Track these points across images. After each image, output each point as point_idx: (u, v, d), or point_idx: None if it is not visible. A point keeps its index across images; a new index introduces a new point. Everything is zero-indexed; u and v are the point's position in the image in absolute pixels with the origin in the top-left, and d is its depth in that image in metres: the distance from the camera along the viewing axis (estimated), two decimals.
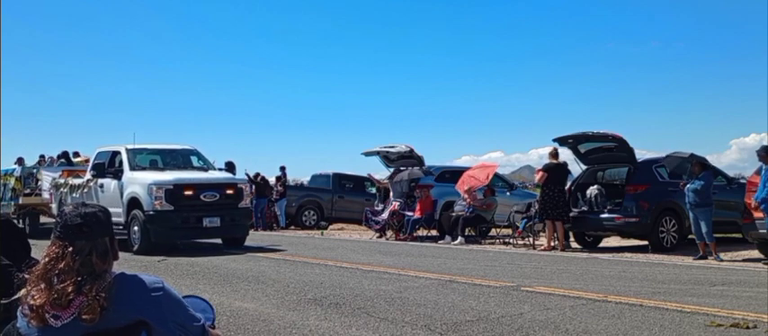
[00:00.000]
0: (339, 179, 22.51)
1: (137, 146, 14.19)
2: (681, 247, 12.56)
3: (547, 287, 8.03)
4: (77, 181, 15.18)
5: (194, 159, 14.70)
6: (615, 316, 6.27)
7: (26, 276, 2.16)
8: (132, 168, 13.52)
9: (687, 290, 7.87)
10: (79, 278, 2.08)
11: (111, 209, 13.53)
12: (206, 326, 2.35)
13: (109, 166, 13.96)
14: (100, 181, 13.99)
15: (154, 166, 14.13)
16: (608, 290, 7.80)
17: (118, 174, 13.57)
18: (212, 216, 12.94)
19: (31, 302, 2.08)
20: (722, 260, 11.10)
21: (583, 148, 13.96)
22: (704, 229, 11.28)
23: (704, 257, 11.31)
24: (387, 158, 18.56)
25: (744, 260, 11.37)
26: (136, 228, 12.90)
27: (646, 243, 13.07)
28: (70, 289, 2.06)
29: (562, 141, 13.71)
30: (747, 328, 5.70)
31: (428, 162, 18.04)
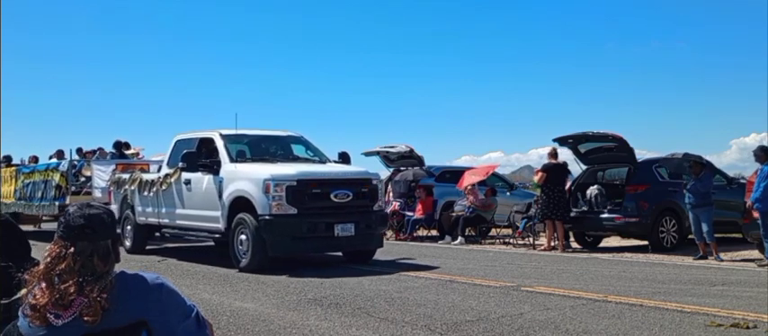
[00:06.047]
0: None
1: (234, 132, 11.21)
2: (681, 247, 12.56)
3: (547, 287, 8.04)
4: (149, 177, 12.19)
5: (299, 149, 11.67)
6: (615, 316, 6.27)
7: (26, 276, 2.17)
8: (233, 160, 10.56)
9: (687, 290, 7.87)
10: (80, 279, 2.09)
11: (204, 212, 10.67)
12: (200, 314, 2.37)
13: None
14: (185, 176, 11.01)
15: (242, 157, 10.92)
16: (608, 290, 7.81)
17: (214, 167, 10.54)
18: (345, 221, 9.90)
19: (33, 301, 2.08)
20: (722, 260, 11.10)
21: (583, 148, 13.96)
22: (705, 229, 11.29)
23: (704, 257, 11.32)
24: (387, 158, 18.60)
25: (744, 260, 11.37)
26: (243, 237, 9.80)
27: (646, 243, 13.07)
28: (72, 290, 2.06)
29: (562, 141, 13.71)
30: (747, 328, 5.71)
31: (428, 162, 18.08)
